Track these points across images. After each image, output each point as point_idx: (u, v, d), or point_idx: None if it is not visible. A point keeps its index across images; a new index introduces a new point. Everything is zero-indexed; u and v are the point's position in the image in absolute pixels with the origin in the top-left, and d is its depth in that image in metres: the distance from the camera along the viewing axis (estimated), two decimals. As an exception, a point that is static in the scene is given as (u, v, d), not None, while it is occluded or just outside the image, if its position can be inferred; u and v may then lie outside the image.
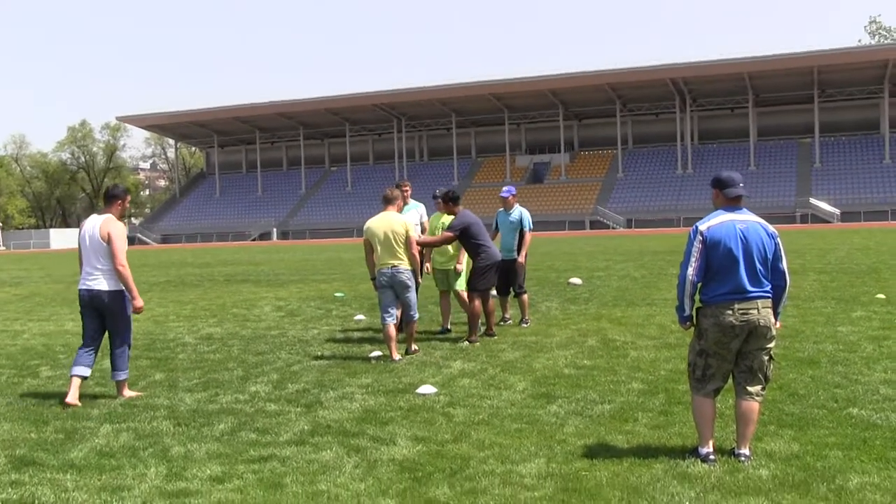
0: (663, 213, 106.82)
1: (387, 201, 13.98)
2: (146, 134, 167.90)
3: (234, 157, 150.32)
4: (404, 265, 13.53)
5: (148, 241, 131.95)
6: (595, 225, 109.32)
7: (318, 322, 18.47)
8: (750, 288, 7.38)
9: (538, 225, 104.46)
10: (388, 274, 13.51)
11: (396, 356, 13.38)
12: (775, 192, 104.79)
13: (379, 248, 13.53)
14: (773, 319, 7.51)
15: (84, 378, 11.04)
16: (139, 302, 11.05)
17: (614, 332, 15.65)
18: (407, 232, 13.54)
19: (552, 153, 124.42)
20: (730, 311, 7.37)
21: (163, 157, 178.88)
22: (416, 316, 13.92)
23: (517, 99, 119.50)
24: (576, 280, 26.58)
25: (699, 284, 7.49)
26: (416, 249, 13.75)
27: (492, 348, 14.20)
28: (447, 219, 15.74)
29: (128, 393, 11.20)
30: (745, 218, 7.49)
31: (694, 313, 7.75)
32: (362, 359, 13.68)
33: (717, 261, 7.39)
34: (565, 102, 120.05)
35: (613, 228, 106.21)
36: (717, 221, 7.45)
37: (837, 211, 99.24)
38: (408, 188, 15.91)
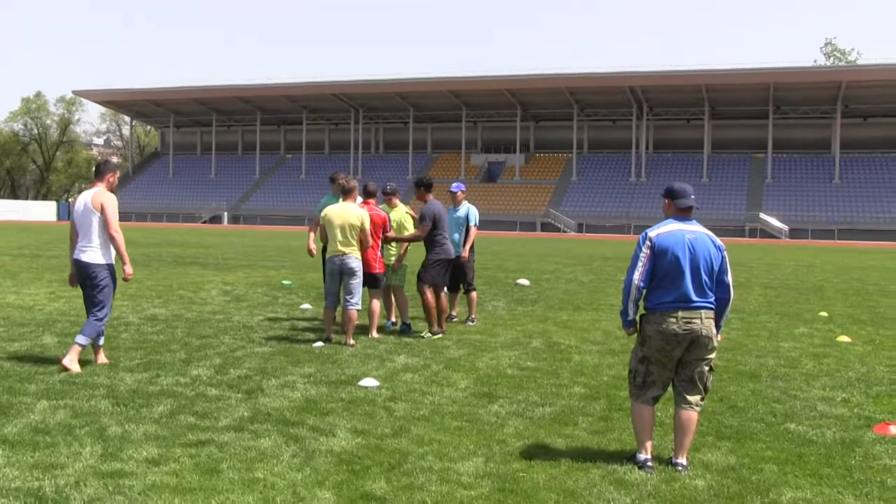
0: (615, 220, 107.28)
1: (345, 192, 14.22)
2: (102, 110, 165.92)
3: (190, 138, 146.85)
4: (354, 254, 14.02)
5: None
6: (546, 227, 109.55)
7: (263, 309, 18.36)
8: (694, 297, 7.40)
9: (490, 224, 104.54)
10: (338, 262, 13.99)
11: (351, 341, 13.91)
12: (726, 204, 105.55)
13: (334, 235, 13.98)
14: (714, 331, 7.54)
15: (82, 346, 11.43)
16: (129, 269, 11.55)
17: (559, 335, 15.66)
18: (362, 224, 13.99)
19: (507, 153, 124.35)
20: (673, 319, 7.40)
21: (117, 133, 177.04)
22: (358, 307, 13.96)
23: (475, 97, 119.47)
24: (523, 281, 26.62)
25: (644, 291, 7.51)
26: (373, 243, 14.39)
27: (437, 345, 14.18)
28: (399, 212, 15.68)
29: (68, 360, 11.18)
30: (693, 229, 7.53)
31: (638, 320, 7.73)
32: (306, 348, 13.56)
33: (663, 268, 7.41)
34: (523, 103, 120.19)
35: (564, 232, 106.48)
36: (666, 230, 7.50)
37: (786, 227, 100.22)
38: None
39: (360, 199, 14.86)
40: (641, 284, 7.40)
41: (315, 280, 24.78)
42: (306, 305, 18.85)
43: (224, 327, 15.56)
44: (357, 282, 14.12)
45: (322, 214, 14.26)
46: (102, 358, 11.82)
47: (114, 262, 11.61)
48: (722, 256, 7.52)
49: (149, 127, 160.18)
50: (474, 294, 16.99)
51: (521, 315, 18.33)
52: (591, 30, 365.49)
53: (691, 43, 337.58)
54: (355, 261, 14.04)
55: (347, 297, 14.12)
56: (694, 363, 7.57)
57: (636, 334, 7.78)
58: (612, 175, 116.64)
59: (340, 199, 14.46)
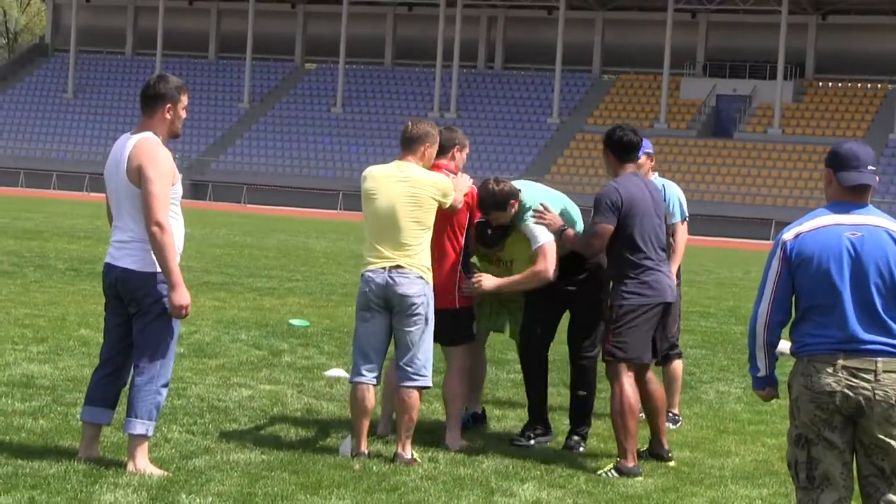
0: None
1: (410, 142, 8.25)
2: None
3: (109, 20, 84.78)
4: (416, 268, 8.41)
5: None
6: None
7: (250, 373, 10.97)
8: (864, 335, 5.30)
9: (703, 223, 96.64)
10: (380, 283, 8.35)
11: (409, 452, 8.09)
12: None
13: (375, 229, 8.34)
14: None
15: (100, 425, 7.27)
16: (180, 295, 6.93)
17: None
18: (441, 202, 8.36)
19: (756, 77, 73.07)
20: (828, 370, 5.30)
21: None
22: (427, 382, 8.30)
23: None
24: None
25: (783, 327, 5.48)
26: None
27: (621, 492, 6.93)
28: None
29: (142, 463, 6.98)
30: (861, 221, 5.38)
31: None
32: (335, 462, 7.60)
33: (807, 289, 5.39)
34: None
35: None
36: (812, 226, 5.45)
37: None
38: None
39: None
40: (775, 318, 5.42)
41: (351, 319, 16.84)
42: (336, 372, 11.36)
43: (169, 410, 8.66)
44: (422, 329, 7.84)
45: (364, 188, 8.06)
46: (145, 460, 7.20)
47: None
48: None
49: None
50: (678, 365, 9.74)
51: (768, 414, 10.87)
52: None
53: None
54: (418, 281, 7.76)
55: (403, 363, 7.88)
56: (877, 446, 5.28)
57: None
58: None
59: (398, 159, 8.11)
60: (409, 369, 7.78)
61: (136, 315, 7.01)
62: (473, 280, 8.20)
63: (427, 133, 7.99)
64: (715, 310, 20.48)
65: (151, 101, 7.20)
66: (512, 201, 8.16)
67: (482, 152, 69.28)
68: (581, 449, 8.42)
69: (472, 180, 8.46)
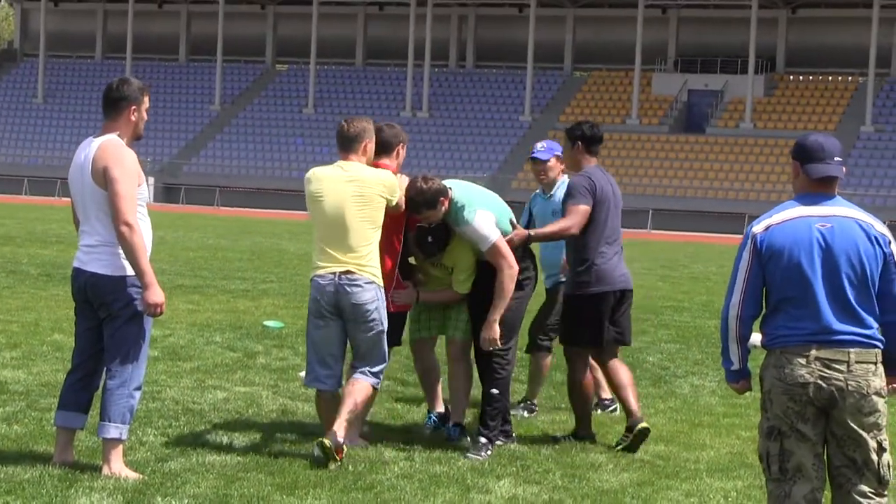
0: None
1: (348, 142, 8.08)
2: None
3: (79, 24, 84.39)
4: (366, 272, 8.13)
5: None
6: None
7: (224, 375, 10.94)
8: (837, 326, 5.31)
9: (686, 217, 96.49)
10: (331, 289, 8.09)
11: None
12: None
13: (324, 232, 8.30)
14: (880, 381, 5.31)
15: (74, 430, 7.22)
16: (153, 294, 6.89)
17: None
18: (388, 200, 8.40)
19: (727, 72, 72.74)
20: (802, 360, 5.28)
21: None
22: (377, 381, 8.23)
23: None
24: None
25: (753, 321, 5.47)
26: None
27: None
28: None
29: (117, 466, 6.94)
30: (830, 212, 5.38)
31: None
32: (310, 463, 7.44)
33: (779, 282, 5.36)
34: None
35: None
36: (781, 218, 5.43)
37: None
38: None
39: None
40: (746, 312, 5.40)
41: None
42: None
43: (144, 413, 8.72)
44: (377, 333, 7.76)
45: (310, 191, 7.92)
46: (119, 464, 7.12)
47: None
48: (885, 253, 5.37)
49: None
50: (547, 358, 9.89)
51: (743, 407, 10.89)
52: None
53: None
54: (369, 287, 7.63)
55: (358, 364, 7.84)
56: (851, 435, 5.27)
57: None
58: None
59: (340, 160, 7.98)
60: (365, 368, 7.75)
61: (107, 319, 6.97)
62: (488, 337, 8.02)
63: (365, 129, 7.78)
64: (688, 304, 20.52)
65: (115, 103, 7.15)
66: (441, 199, 7.93)
67: (455, 151, 69.30)
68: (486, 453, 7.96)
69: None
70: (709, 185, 65.28)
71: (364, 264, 7.53)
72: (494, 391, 8.11)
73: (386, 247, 7.94)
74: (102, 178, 6.84)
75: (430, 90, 74.38)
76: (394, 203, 7.74)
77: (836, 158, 5.53)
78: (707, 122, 70.92)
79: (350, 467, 7.40)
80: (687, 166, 67.15)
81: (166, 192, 68.88)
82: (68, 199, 7.48)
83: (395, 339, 8.36)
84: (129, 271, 6.84)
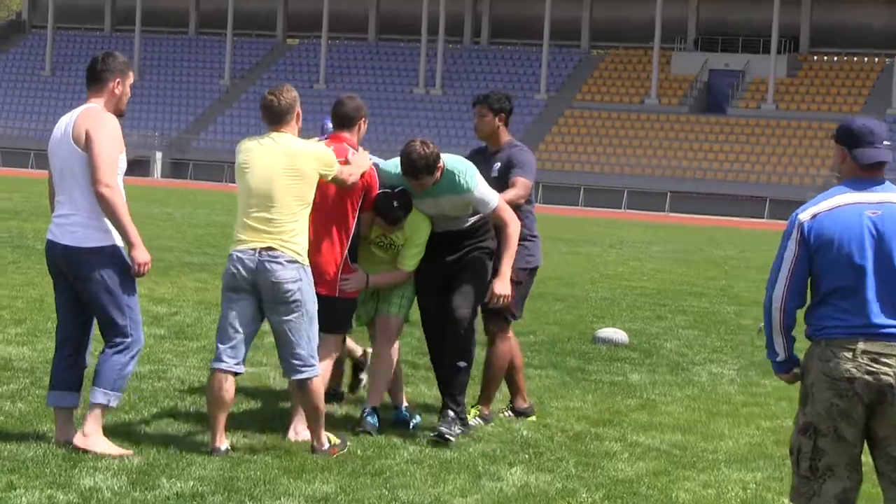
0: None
1: (276, 115, 7.58)
2: None
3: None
4: (288, 249, 7.82)
5: None
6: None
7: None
8: (886, 319, 5.15)
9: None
10: (250, 267, 7.69)
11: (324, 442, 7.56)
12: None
13: (245, 206, 7.84)
14: None
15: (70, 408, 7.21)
16: (140, 253, 6.96)
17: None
18: (322, 175, 8.14)
19: (749, 51, 72.31)
20: (847, 355, 5.13)
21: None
22: (316, 371, 7.56)
23: None
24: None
25: (796, 312, 5.29)
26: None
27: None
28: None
29: (90, 430, 6.92)
30: (880, 199, 5.24)
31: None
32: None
33: (827, 272, 5.22)
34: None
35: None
36: (830, 205, 5.27)
37: None
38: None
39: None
40: (791, 303, 5.26)
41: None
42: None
43: (150, 393, 8.78)
44: (300, 317, 7.26)
45: (238, 162, 7.57)
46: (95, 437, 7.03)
47: None
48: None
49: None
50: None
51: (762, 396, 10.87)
52: None
53: None
54: (291, 266, 7.20)
55: (287, 356, 7.35)
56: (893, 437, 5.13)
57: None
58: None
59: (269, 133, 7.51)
60: (294, 362, 7.24)
61: (85, 293, 6.98)
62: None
63: (295, 99, 7.38)
64: (707, 290, 20.41)
65: (100, 75, 7.16)
66: (439, 164, 7.79)
67: (468, 129, 68.74)
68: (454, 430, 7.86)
69: (371, 158, 7.97)
70: (729, 167, 64.71)
71: (287, 241, 7.14)
72: (462, 363, 8.04)
73: (335, 226, 7.71)
74: (84, 140, 6.86)
75: (444, 66, 73.99)
76: (329, 178, 7.38)
77: (886, 143, 5.42)
78: (728, 102, 70.10)
79: (359, 451, 7.38)
80: (707, 148, 66.61)
81: (174, 168, 69.16)
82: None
83: (346, 325, 8.09)
84: (103, 242, 6.84)
